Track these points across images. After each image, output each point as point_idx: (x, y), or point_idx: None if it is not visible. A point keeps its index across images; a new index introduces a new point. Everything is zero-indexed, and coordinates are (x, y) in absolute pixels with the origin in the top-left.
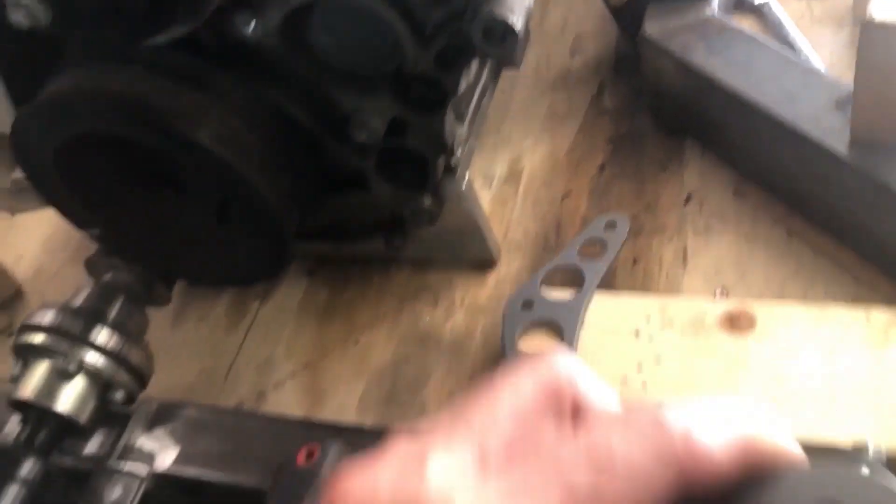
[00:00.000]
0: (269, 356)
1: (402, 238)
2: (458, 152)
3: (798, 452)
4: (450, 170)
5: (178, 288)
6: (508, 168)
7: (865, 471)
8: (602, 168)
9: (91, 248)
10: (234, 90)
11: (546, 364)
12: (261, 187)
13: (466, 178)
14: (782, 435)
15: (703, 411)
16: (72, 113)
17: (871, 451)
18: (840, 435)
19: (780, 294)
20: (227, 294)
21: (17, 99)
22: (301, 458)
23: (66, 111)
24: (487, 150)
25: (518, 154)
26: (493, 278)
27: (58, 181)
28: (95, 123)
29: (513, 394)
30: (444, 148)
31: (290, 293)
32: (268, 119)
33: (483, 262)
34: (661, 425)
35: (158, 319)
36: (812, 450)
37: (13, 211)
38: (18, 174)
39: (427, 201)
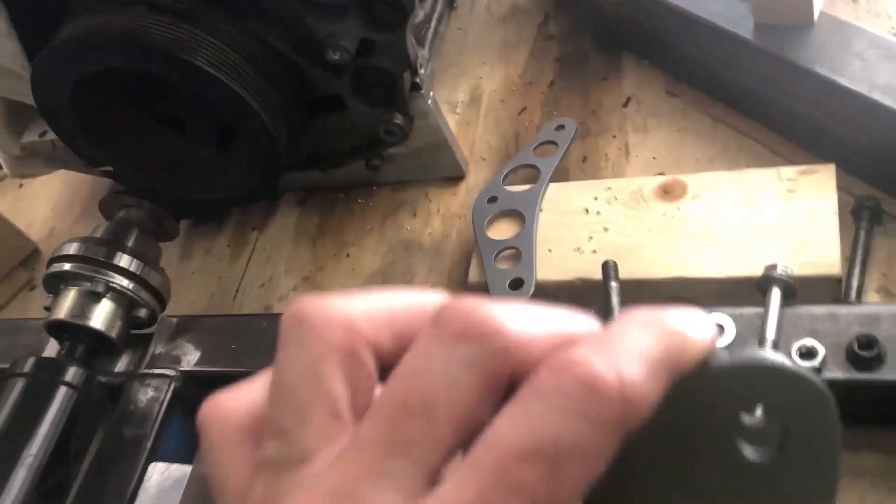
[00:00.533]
0: (271, 276)
1: (380, 158)
2: (422, 71)
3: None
4: (416, 88)
5: (183, 226)
6: (470, 94)
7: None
8: (552, 84)
9: (95, 204)
10: (224, 24)
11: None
12: (256, 105)
13: (431, 95)
14: (695, 327)
15: (627, 342)
16: (84, 52)
17: (779, 268)
18: (759, 268)
19: (710, 171)
20: (228, 228)
21: (30, 53)
22: None
23: (79, 51)
24: (449, 80)
25: (477, 81)
26: (463, 188)
27: (74, 122)
28: (106, 59)
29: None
30: (408, 64)
31: (284, 222)
32: (255, 49)
33: (453, 176)
34: (594, 390)
35: (167, 255)
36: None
37: (23, 176)
38: (27, 139)
39: (398, 119)
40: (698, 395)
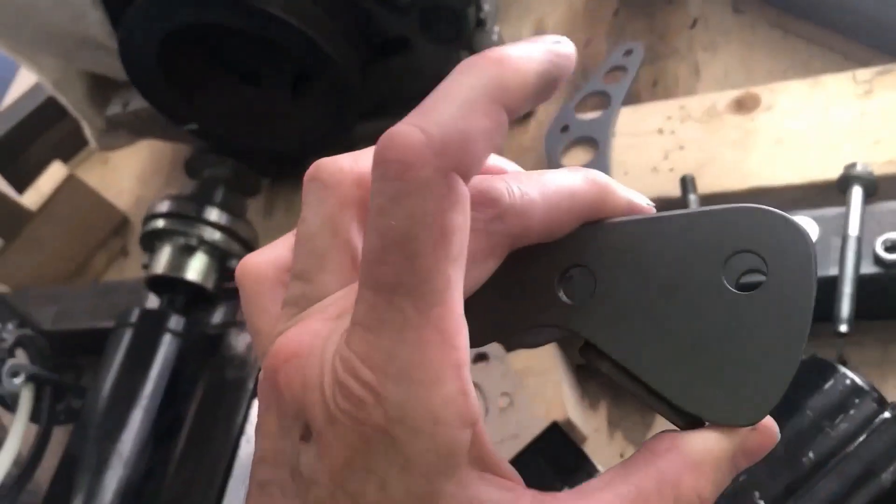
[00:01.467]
0: None
1: None
2: (486, 7)
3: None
4: (481, 24)
5: (264, 184)
6: (534, 29)
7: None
8: (616, 13)
9: (177, 171)
10: None
11: None
12: (327, 48)
13: (497, 31)
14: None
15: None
16: (168, 8)
17: (858, 166)
18: (838, 172)
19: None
20: None
21: (113, 21)
22: None
23: (162, 7)
24: (513, 17)
25: (540, 16)
26: (533, 124)
27: (161, 81)
28: (187, 13)
29: None
30: (471, 0)
31: None
32: None
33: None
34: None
35: (252, 213)
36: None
37: (109, 149)
38: (111, 112)
39: (465, 56)
40: (687, 235)
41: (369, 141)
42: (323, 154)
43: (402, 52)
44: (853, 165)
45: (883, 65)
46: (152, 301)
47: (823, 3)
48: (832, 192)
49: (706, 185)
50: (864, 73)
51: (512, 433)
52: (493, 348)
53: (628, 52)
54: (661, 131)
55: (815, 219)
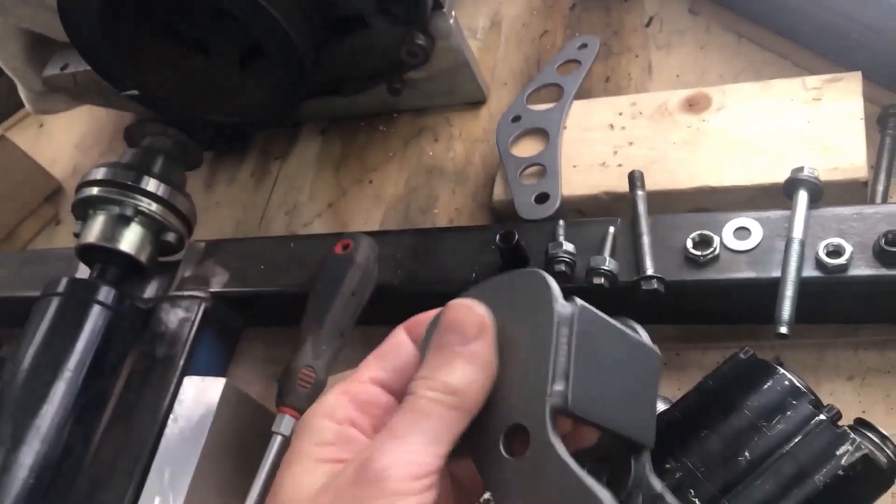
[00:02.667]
0: (295, 203)
1: (401, 82)
2: None
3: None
4: (438, 6)
5: (207, 158)
6: (490, 19)
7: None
8: (573, 7)
9: (118, 139)
10: None
11: None
12: (281, 19)
13: (454, 15)
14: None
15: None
16: None
17: (805, 170)
18: (785, 175)
19: None
20: (251, 158)
21: None
22: (338, 248)
23: None
24: (469, 5)
25: (497, 6)
26: (485, 113)
27: (102, 43)
28: None
29: None
30: None
31: (306, 150)
32: None
33: (475, 100)
34: None
35: (192, 185)
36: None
37: (44, 112)
38: (48, 73)
39: (420, 39)
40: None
41: (319, 119)
42: (270, 129)
43: (357, 31)
44: (800, 169)
45: (832, 73)
46: (82, 271)
47: (778, 9)
48: (778, 196)
49: (654, 182)
50: (813, 80)
51: None
52: None
53: (583, 46)
54: (611, 126)
55: (760, 221)
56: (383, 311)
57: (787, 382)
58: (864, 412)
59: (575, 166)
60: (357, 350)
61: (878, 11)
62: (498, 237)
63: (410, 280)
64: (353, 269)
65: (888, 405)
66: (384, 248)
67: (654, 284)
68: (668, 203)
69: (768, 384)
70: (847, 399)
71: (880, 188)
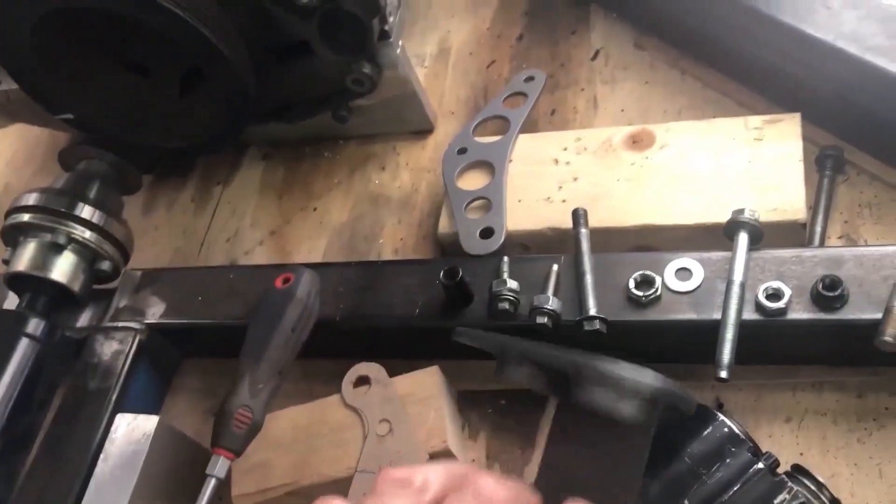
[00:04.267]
0: (236, 230)
1: (347, 110)
2: (391, 19)
3: None
4: (385, 36)
5: (146, 181)
6: (438, 47)
7: None
8: (520, 38)
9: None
10: None
11: None
12: (221, 46)
13: (400, 45)
14: None
15: None
16: None
17: (746, 213)
18: (726, 216)
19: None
20: (192, 182)
21: None
22: (279, 282)
23: None
24: (417, 34)
25: (445, 34)
26: (431, 142)
27: (36, 64)
28: None
29: None
30: (377, 10)
31: (249, 175)
32: None
33: (422, 129)
34: None
35: (130, 209)
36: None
37: None
38: None
39: (366, 68)
40: None
41: (262, 144)
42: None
43: (302, 58)
44: (741, 211)
45: (773, 114)
46: (11, 300)
47: (721, 48)
48: (720, 234)
49: (598, 219)
50: (755, 121)
51: (390, 461)
52: (376, 372)
53: (530, 79)
54: (556, 161)
55: (702, 262)
56: (324, 345)
57: (726, 430)
58: (801, 454)
59: (520, 201)
60: (297, 383)
61: (817, 52)
62: (442, 274)
63: (352, 315)
64: (293, 304)
65: (824, 447)
66: (326, 282)
67: (597, 325)
68: (612, 240)
69: (708, 430)
70: (785, 441)
71: (818, 229)
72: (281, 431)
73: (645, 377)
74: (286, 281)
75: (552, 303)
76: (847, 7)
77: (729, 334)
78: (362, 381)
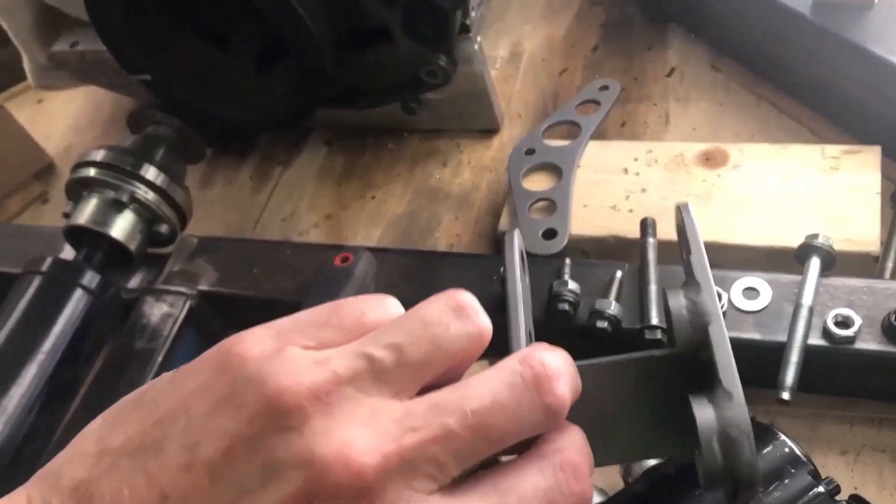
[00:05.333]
0: (292, 211)
1: (417, 101)
2: (473, 14)
3: None
4: (465, 30)
5: (208, 154)
6: (510, 51)
7: None
8: (595, 49)
9: (115, 124)
10: None
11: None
12: (306, 18)
13: (479, 40)
14: None
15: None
16: None
17: (820, 238)
18: (795, 241)
19: None
20: (252, 160)
21: None
22: (338, 260)
23: None
24: (491, 36)
25: (519, 38)
26: (496, 142)
27: (120, 26)
28: None
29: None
30: (462, 2)
31: (309, 160)
32: None
33: (488, 128)
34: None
35: (189, 181)
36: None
37: (46, 88)
38: (56, 48)
39: (443, 60)
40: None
41: (325, 130)
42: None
43: (381, 45)
44: (815, 236)
45: (849, 144)
46: (67, 253)
47: (799, 76)
48: (786, 261)
49: (665, 231)
50: (832, 150)
51: None
52: None
53: (604, 88)
54: (626, 171)
55: (770, 283)
56: None
57: (787, 450)
58: (856, 488)
59: (585, 206)
60: None
61: None
62: (502, 269)
63: (405, 303)
64: (350, 283)
65: (881, 483)
66: (382, 266)
67: (658, 334)
68: (677, 255)
69: (768, 449)
70: (839, 473)
71: (889, 265)
72: None
73: None
74: (345, 260)
75: (614, 307)
76: None
77: (794, 357)
78: None
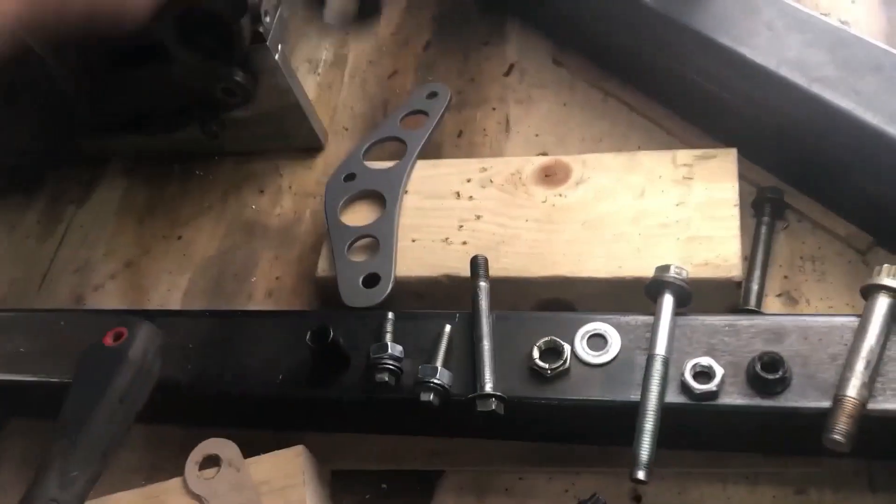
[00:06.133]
0: (87, 260)
1: (218, 123)
2: (267, 19)
3: None
4: (259, 38)
5: None
6: (334, 52)
7: None
8: (427, 46)
9: None
10: None
11: None
12: (36, 47)
13: (280, 49)
14: None
15: None
16: None
17: (672, 271)
18: (649, 268)
19: (597, 151)
20: (40, 201)
21: None
22: (108, 339)
23: None
24: (312, 36)
25: (343, 38)
26: (320, 162)
27: None
28: None
29: None
30: (244, 9)
31: (108, 195)
32: None
33: (309, 147)
34: None
35: None
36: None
37: None
38: None
39: (238, 75)
40: None
41: (126, 158)
42: (47, 167)
43: (158, 62)
44: (666, 269)
45: (705, 147)
46: None
47: (649, 70)
48: (641, 291)
49: (503, 267)
50: (684, 156)
51: None
52: (228, 451)
53: (432, 95)
54: (458, 195)
55: (619, 327)
56: (174, 409)
57: None
58: None
59: (414, 241)
60: (138, 453)
61: (756, 80)
62: (308, 335)
63: (201, 379)
64: (123, 367)
65: None
66: (173, 335)
67: (492, 405)
68: (518, 291)
69: None
70: None
71: (754, 287)
72: None
73: None
74: (118, 337)
75: (440, 375)
76: (792, 30)
77: (648, 425)
78: (211, 461)
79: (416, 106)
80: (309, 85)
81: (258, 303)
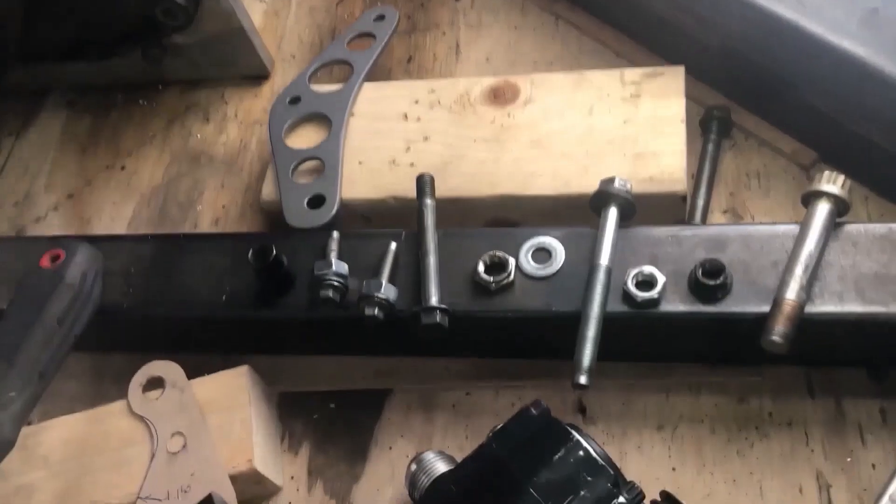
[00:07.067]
0: (27, 191)
1: (161, 48)
2: None
3: None
4: None
5: None
6: None
7: None
8: None
9: None
10: None
11: None
12: None
13: None
14: None
15: None
16: None
17: (616, 183)
18: (596, 185)
19: None
20: None
21: None
22: (45, 261)
23: None
24: None
25: None
26: (267, 90)
27: None
28: None
29: None
30: None
31: (48, 126)
32: None
33: (255, 74)
34: None
35: None
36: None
37: None
38: None
39: None
40: None
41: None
42: None
43: None
44: (610, 181)
45: (654, 66)
46: None
47: None
48: (587, 209)
49: (450, 187)
50: (632, 74)
51: (181, 486)
52: (171, 372)
53: (380, 18)
54: (405, 117)
55: (563, 240)
56: (117, 337)
57: (582, 453)
58: (674, 469)
59: (361, 163)
60: (84, 383)
61: (707, 1)
62: (251, 254)
63: (143, 302)
64: (60, 289)
65: (700, 461)
66: (114, 260)
67: (437, 318)
68: (466, 211)
69: (560, 454)
70: (656, 453)
71: (700, 202)
72: (51, 447)
73: None
74: (55, 259)
75: (385, 290)
76: None
77: (590, 331)
78: (154, 383)
79: (363, 28)
80: (255, 11)
81: (204, 231)
